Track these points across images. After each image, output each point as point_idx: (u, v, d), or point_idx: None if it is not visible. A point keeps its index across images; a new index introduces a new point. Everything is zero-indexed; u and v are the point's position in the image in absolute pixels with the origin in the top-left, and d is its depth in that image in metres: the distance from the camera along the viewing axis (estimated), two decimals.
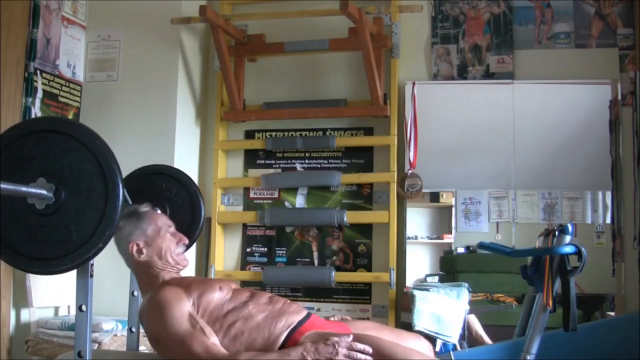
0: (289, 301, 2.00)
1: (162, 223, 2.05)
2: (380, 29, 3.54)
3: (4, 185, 1.45)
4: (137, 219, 2.01)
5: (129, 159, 2.43)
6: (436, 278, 3.64)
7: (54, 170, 1.59)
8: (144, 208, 2.07)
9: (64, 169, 1.59)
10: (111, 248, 1.75)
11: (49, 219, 1.59)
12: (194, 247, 3.70)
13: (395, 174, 3.50)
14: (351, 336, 1.78)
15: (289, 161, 3.77)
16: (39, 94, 3.34)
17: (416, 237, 3.70)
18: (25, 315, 3.21)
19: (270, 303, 1.94)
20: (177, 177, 2.54)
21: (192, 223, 2.51)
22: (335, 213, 3.51)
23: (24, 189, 1.53)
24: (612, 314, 3.29)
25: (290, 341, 1.83)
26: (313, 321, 1.93)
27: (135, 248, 1.97)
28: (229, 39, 3.71)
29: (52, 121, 1.75)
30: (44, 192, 1.56)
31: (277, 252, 3.71)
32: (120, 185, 1.60)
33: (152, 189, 2.46)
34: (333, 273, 3.47)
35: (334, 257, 3.63)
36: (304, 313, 1.95)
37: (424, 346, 2.04)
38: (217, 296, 1.91)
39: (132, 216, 2.01)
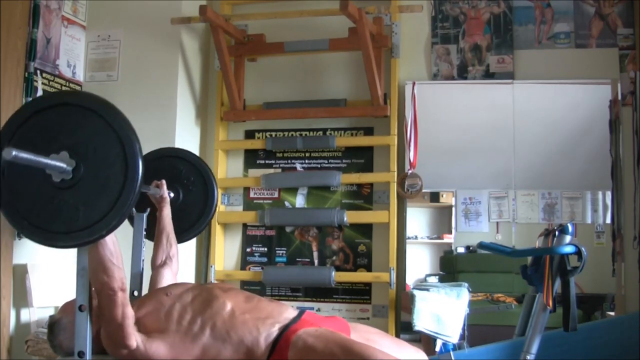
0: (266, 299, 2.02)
1: None
2: (380, 29, 3.54)
3: (24, 155, 1.42)
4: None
5: None
6: (436, 278, 3.64)
7: (79, 147, 1.57)
8: None
9: (88, 149, 1.57)
10: None
11: (61, 193, 1.57)
12: (194, 247, 3.72)
13: (395, 174, 3.50)
14: None
15: (289, 161, 3.77)
16: (39, 94, 3.34)
17: (416, 237, 3.70)
18: (25, 315, 3.21)
19: (247, 301, 1.94)
20: (198, 166, 2.56)
21: (201, 215, 2.52)
22: (335, 213, 3.51)
23: (43, 160, 1.50)
24: (612, 314, 3.29)
25: (283, 339, 1.82)
26: (307, 319, 1.93)
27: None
28: (229, 39, 3.71)
29: (89, 98, 1.67)
30: (63, 165, 1.54)
31: (277, 252, 3.71)
32: (139, 182, 1.58)
33: (170, 171, 2.48)
34: (333, 273, 3.47)
35: (334, 257, 3.63)
36: (295, 311, 1.96)
37: None
38: (166, 305, 1.91)
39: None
